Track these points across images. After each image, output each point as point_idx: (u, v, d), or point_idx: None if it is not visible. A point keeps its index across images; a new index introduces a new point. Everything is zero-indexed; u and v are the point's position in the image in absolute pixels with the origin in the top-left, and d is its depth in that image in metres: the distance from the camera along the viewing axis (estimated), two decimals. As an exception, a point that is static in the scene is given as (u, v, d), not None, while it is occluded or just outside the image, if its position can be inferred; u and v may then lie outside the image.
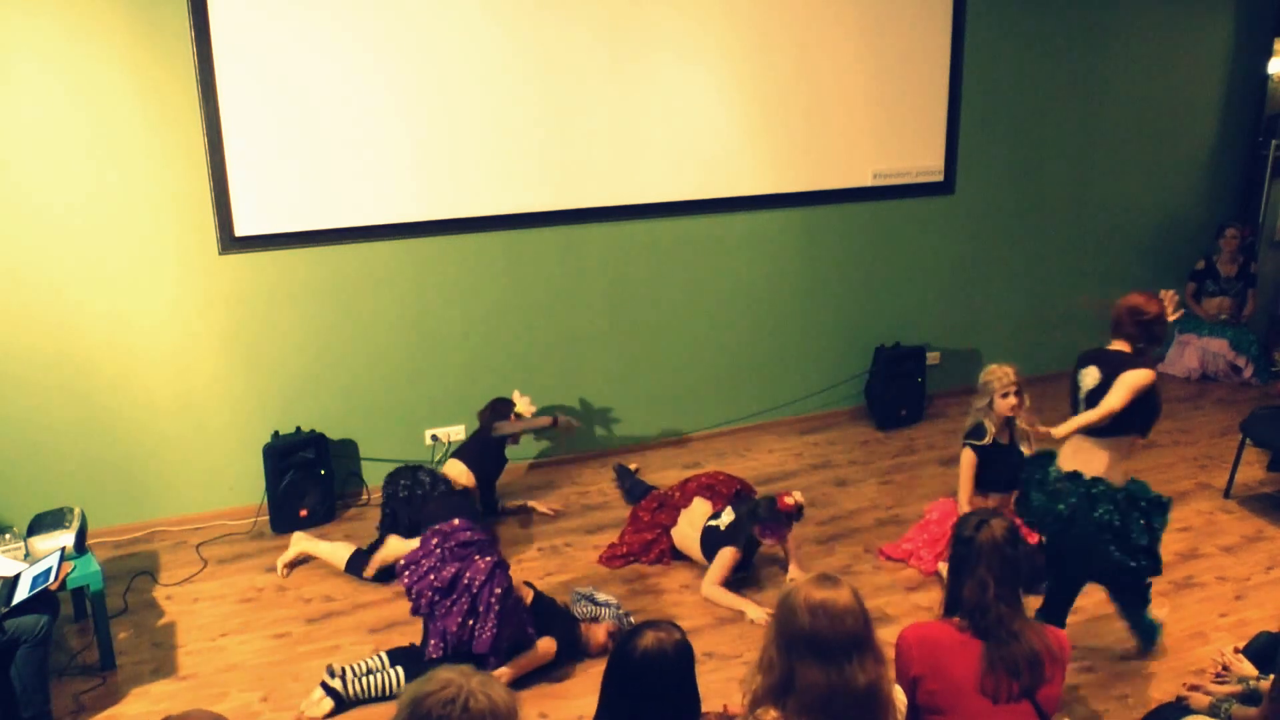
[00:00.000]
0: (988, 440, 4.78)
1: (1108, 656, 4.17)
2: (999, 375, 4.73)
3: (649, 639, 2.54)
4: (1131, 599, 4.06)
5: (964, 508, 4.76)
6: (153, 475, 5.37)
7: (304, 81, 5.19)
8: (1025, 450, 4.84)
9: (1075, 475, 3.88)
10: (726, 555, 4.66)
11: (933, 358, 6.93)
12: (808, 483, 5.35)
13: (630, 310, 6.15)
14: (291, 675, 4.16)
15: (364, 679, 3.97)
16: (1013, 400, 4.72)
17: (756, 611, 4.52)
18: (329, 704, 3.91)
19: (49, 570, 3.91)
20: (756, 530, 4.60)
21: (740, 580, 4.78)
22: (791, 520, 4.64)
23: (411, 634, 4.27)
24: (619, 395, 6.24)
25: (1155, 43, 7.11)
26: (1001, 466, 4.80)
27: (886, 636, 2.84)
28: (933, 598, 4.58)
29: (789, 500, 4.58)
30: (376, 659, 4.07)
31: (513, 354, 5.90)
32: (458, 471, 5.22)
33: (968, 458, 4.82)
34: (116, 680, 4.17)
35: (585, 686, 4.03)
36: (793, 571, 4.78)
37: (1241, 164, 7.64)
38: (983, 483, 4.84)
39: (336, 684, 3.94)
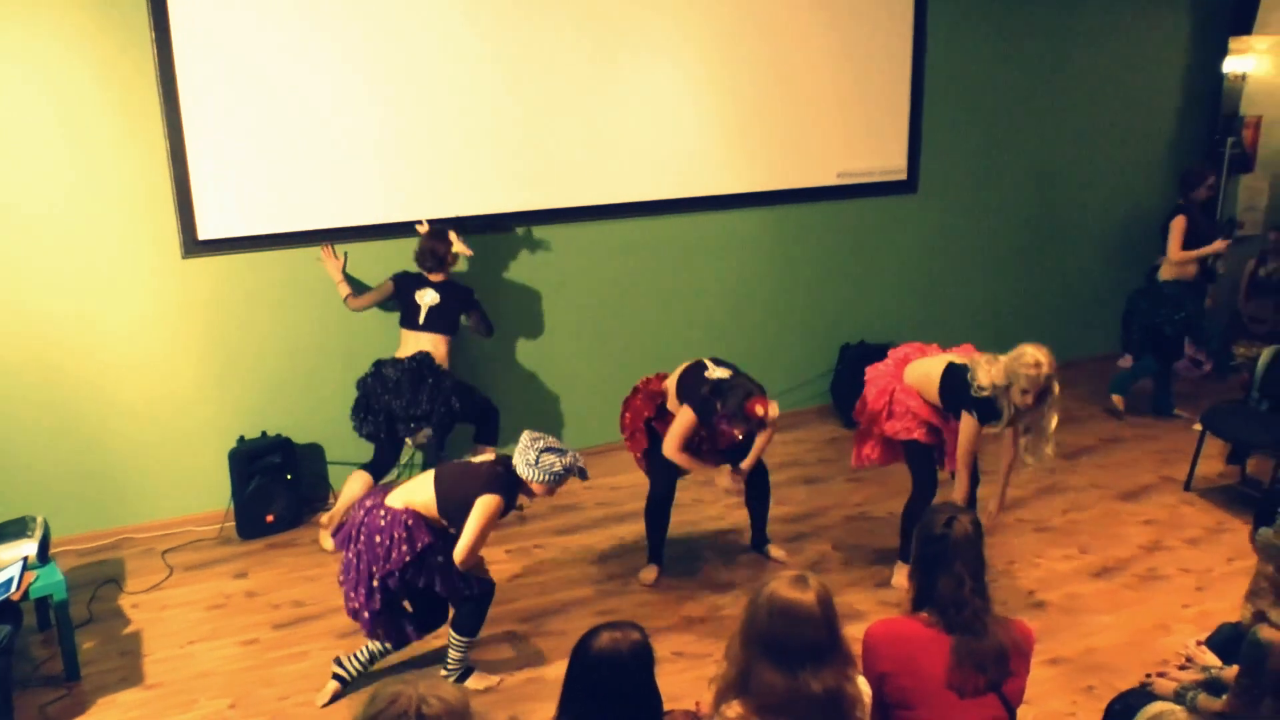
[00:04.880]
0: (994, 429, 4.31)
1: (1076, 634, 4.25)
2: (1029, 368, 4.05)
3: (604, 639, 2.53)
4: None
5: (963, 473, 4.44)
6: (117, 482, 5.31)
7: (270, 81, 5.15)
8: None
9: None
10: (684, 417, 4.43)
11: (899, 355, 6.97)
12: (775, 481, 5.35)
13: (599, 308, 6.16)
14: (262, 681, 4.14)
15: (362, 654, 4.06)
16: (1030, 400, 4.12)
17: (726, 480, 4.49)
18: (334, 685, 4.00)
19: (10, 580, 3.86)
20: (716, 414, 4.32)
21: (722, 578, 4.79)
22: (751, 426, 4.27)
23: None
24: (587, 393, 6.23)
25: (1115, 42, 7.21)
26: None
27: (854, 633, 2.85)
28: (899, 595, 4.61)
29: (759, 410, 4.20)
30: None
31: (482, 354, 5.89)
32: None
33: (972, 428, 4.32)
34: (83, 690, 4.13)
35: (558, 693, 4.01)
36: (735, 473, 4.55)
37: (1200, 161, 7.74)
38: None
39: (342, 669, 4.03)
